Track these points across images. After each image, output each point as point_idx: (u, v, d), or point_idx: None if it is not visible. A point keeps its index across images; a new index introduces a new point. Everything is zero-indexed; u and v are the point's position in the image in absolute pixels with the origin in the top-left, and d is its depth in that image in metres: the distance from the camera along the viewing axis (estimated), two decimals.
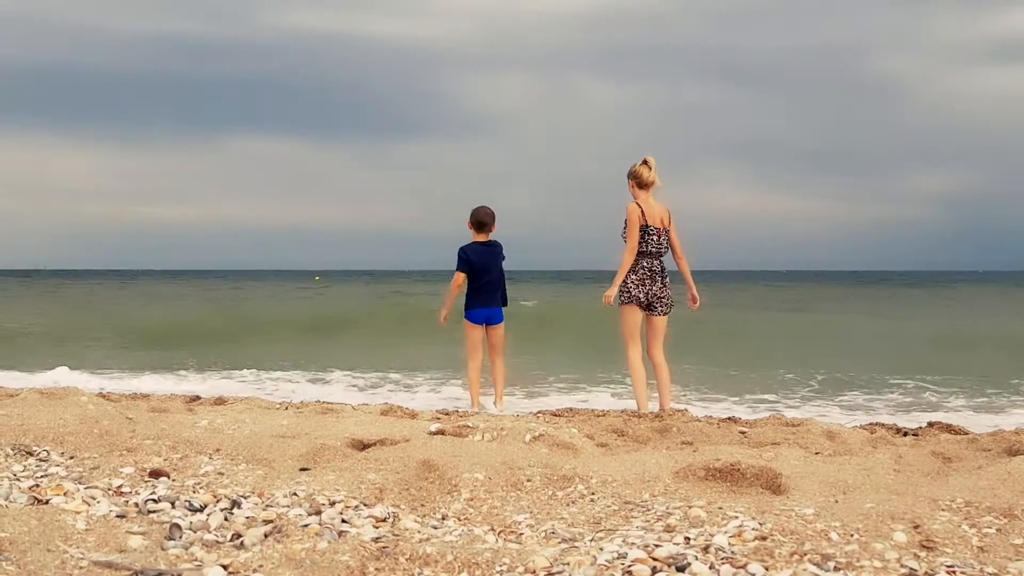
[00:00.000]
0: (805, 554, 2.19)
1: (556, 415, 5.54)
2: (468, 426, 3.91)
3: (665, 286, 6.62)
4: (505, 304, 7.09)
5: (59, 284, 52.49)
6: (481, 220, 6.98)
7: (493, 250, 7.00)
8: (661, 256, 6.64)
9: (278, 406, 5.38)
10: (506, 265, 7.16)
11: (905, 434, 5.16)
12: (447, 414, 5.30)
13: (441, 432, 3.87)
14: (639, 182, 6.65)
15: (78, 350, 13.44)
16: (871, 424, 5.71)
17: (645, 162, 6.69)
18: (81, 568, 2.02)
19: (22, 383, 7.84)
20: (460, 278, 7.00)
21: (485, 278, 6.96)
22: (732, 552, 2.22)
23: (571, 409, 6.08)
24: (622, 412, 5.75)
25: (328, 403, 5.88)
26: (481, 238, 7.00)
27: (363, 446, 3.65)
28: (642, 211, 6.60)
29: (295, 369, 10.95)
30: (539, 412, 5.86)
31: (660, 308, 6.61)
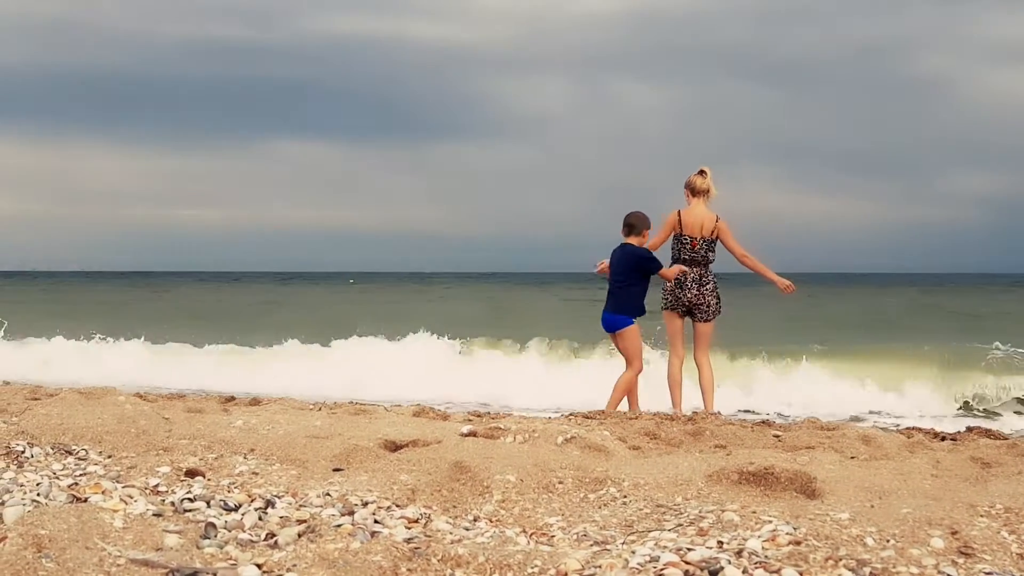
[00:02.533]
0: (840, 559, 2.16)
1: (588, 417, 5.52)
2: (500, 428, 3.91)
3: (704, 293, 6.75)
4: (632, 313, 6.79)
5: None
6: (626, 222, 6.86)
7: (615, 252, 6.87)
8: (697, 264, 6.76)
9: (311, 407, 5.42)
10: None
11: (943, 439, 5.09)
12: (479, 416, 5.31)
13: (473, 434, 3.87)
14: (692, 190, 6.82)
15: None
16: (908, 428, 5.64)
17: (701, 171, 6.85)
18: (119, 566, 2.05)
19: None
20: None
21: (612, 281, 6.84)
22: (766, 556, 2.20)
23: (603, 411, 6.06)
24: (655, 415, 5.73)
25: (361, 404, 5.92)
26: (629, 241, 6.85)
27: (395, 447, 3.66)
28: (679, 219, 6.76)
29: None
30: (571, 414, 5.85)
31: (700, 315, 6.79)
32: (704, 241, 6.74)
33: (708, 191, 6.81)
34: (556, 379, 10.50)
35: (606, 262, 6.95)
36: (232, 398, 6.28)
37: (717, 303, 6.83)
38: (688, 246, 6.74)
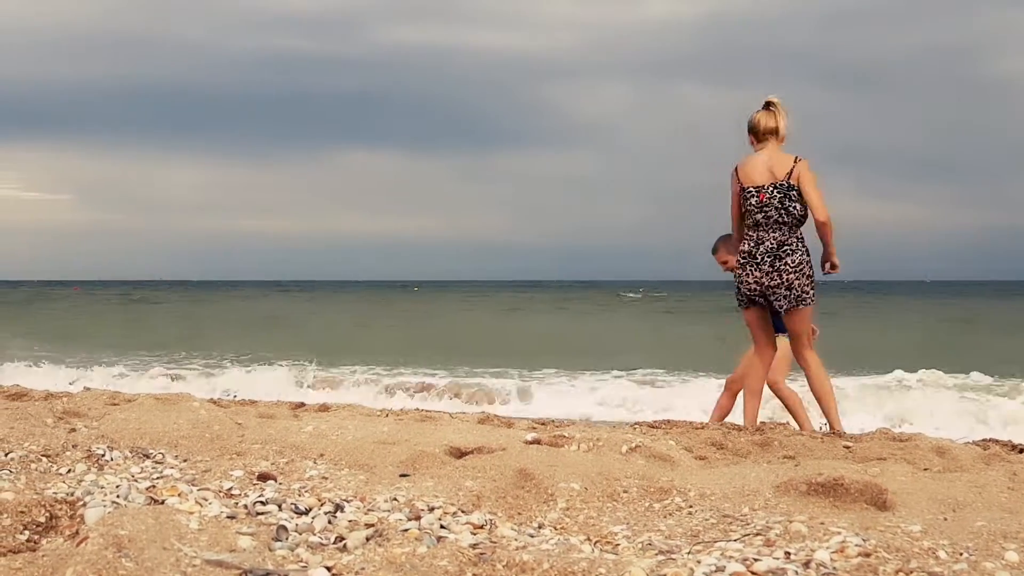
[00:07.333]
0: (911, 572, 2.12)
1: (653, 427, 5.49)
2: (564, 436, 3.92)
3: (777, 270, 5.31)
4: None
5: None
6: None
7: None
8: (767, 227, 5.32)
9: (379, 413, 5.49)
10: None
11: (1021, 451, 4.94)
12: (543, 424, 5.32)
13: (537, 441, 3.88)
14: (755, 133, 5.44)
15: None
16: (984, 440, 5.48)
17: (767, 104, 5.44)
18: (194, 566, 2.11)
19: None
20: None
21: None
22: (834, 568, 2.17)
23: (668, 420, 6.01)
24: (721, 424, 5.66)
25: (427, 411, 5.97)
26: None
27: (461, 454, 3.69)
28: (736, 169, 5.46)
29: None
30: (636, 424, 5.83)
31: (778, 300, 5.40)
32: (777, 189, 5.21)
33: (777, 131, 5.36)
34: None
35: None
36: (302, 404, 6.39)
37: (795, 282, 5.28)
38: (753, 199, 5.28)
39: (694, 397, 10.23)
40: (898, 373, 12.12)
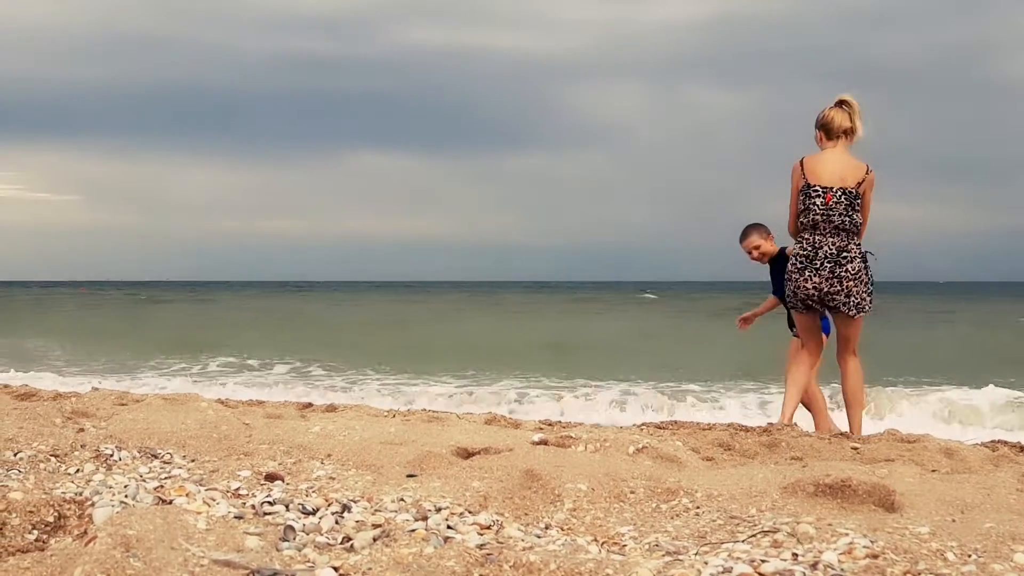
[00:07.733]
0: (919, 573, 2.12)
1: (660, 428, 5.48)
2: (571, 437, 3.92)
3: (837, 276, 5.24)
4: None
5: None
6: None
7: None
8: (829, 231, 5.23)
9: (386, 413, 5.50)
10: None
11: None
12: (550, 424, 5.32)
13: (544, 442, 3.88)
14: (827, 130, 5.26)
15: None
16: (993, 441, 5.46)
17: (841, 103, 5.27)
18: (202, 566, 2.11)
19: None
20: None
21: None
22: (842, 569, 2.17)
23: (675, 421, 6.01)
24: (728, 426, 5.66)
25: (434, 411, 5.97)
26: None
27: (468, 454, 3.70)
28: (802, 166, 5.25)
29: None
30: (643, 424, 5.82)
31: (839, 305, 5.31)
32: (845, 195, 5.09)
33: (852, 131, 5.21)
34: None
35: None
36: (309, 404, 6.40)
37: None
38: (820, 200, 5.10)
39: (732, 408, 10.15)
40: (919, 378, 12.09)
